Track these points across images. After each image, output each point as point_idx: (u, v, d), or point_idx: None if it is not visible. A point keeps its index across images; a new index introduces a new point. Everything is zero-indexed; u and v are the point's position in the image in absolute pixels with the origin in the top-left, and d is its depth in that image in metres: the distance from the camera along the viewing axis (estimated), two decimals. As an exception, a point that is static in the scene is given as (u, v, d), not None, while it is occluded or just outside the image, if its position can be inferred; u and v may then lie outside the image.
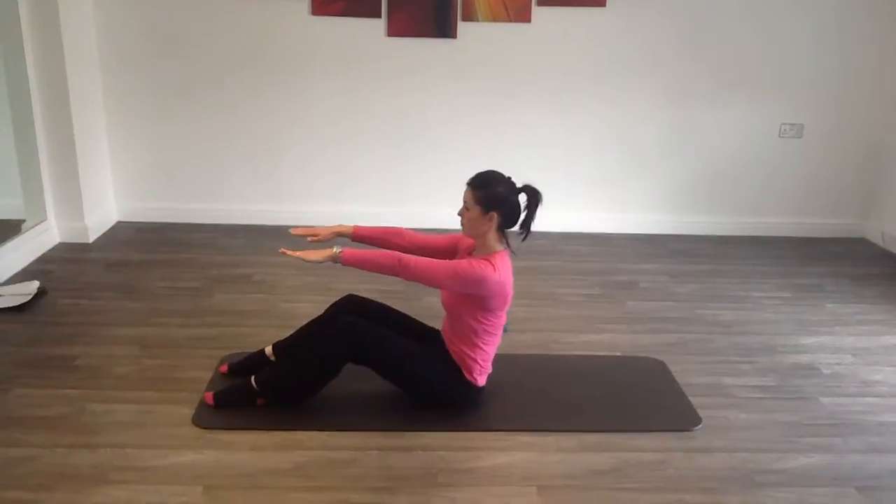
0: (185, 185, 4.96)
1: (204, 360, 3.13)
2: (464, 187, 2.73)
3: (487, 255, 2.68)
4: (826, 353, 3.46)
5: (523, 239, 2.72)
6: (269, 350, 3.00)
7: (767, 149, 5.07)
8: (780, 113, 4.99)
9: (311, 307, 3.68)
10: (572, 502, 2.37)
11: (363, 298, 3.03)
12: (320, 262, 2.64)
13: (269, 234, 4.83)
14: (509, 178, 2.70)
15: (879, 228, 5.14)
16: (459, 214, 2.73)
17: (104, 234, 4.73)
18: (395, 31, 4.65)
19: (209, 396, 2.80)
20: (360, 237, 2.94)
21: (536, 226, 2.76)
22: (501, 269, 2.66)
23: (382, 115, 4.86)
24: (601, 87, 4.87)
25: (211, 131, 4.84)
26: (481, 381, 2.84)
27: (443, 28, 4.66)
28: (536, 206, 2.70)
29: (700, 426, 2.81)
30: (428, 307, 3.57)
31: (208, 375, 3.00)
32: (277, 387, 2.78)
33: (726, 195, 5.17)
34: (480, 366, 2.81)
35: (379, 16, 4.62)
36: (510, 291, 2.72)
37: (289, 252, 2.64)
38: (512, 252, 2.76)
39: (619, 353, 3.39)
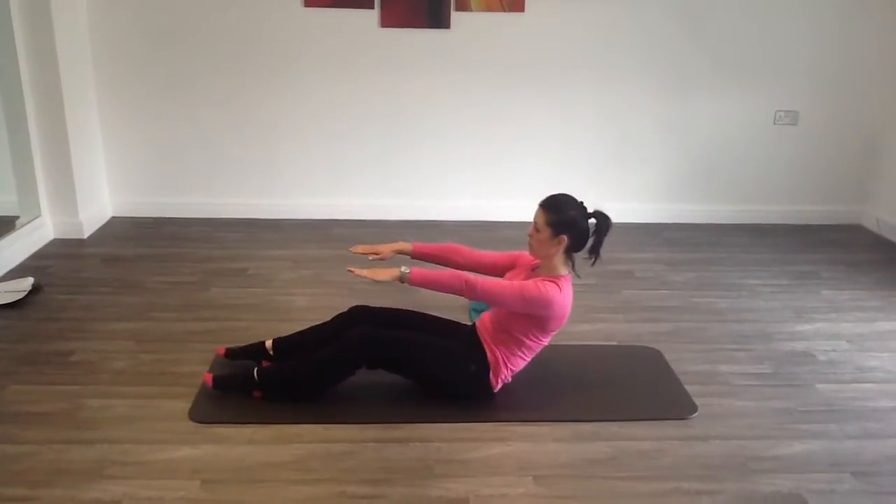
0: (180, 180, 4.95)
1: (200, 354, 3.13)
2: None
3: (553, 277, 2.71)
4: (822, 340, 3.47)
5: (592, 264, 2.74)
6: (269, 343, 3.00)
7: (763, 136, 5.06)
8: (776, 100, 4.99)
9: (306, 300, 3.69)
10: (569, 492, 2.37)
11: (370, 307, 3.02)
12: (388, 282, 2.66)
13: (264, 228, 4.83)
14: (581, 202, 2.73)
15: (875, 215, 5.15)
16: (529, 235, 2.75)
17: (99, 229, 4.72)
18: (388, 21, 4.63)
19: (209, 378, 2.81)
20: (420, 254, 2.96)
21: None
22: (566, 292, 2.71)
23: (377, 107, 4.85)
24: (596, 76, 4.86)
25: (205, 125, 4.83)
26: (498, 386, 2.85)
27: (436, 18, 4.64)
28: (606, 232, 2.72)
29: (696, 414, 2.82)
30: (423, 298, 3.57)
31: (205, 370, 2.99)
32: (278, 386, 2.81)
33: (722, 183, 5.17)
34: (507, 373, 2.83)
35: (372, 7, 4.60)
36: (568, 314, 2.76)
37: (356, 271, 2.65)
38: (577, 276, 2.79)
39: (614, 343, 3.40)
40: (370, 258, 2.90)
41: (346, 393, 2.83)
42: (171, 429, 2.62)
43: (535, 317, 2.71)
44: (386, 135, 4.92)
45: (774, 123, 5.04)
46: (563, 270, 2.75)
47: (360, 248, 2.94)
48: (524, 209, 5.04)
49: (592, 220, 2.72)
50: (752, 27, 4.81)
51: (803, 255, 4.63)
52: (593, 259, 2.74)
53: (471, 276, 2.67)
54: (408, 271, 2.65)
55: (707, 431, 2.71)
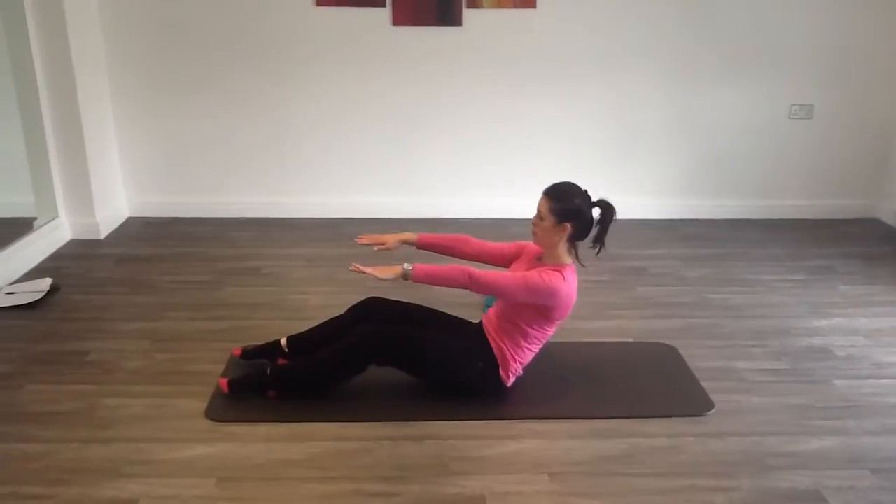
0: (194, 179, 4.98)
1: (215, 353, 3.14)
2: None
3: (557, 266, 2.69)
4: (839, 336, 3.44)
5: (598, 253, 2.73)
6: (283, 341, 3.01)
7: (777, 130, 5.02)
8: (790, 93, 4.95)
9: (320, 298, 3.69)
10: (584, 489, 2.37)
11: (385, 300, 3.02)
12: (392, 279, 2.65)
13: (277, 227, 4.84)
14: (585, 190, 2.71)
15: (891, 208, 5.10)
16: (532, 223, 2.74)
17: (115, 229, 4.75)
18: (399, 19, 4.63)
19: (224, 383, 2.81)
20: (425, 245, 2.96)
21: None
22: (570, 281, 2.68)
23: (389, 105, 4.85)
24: (608, 71, 4.84)
25: (218, 125, 4.85)
26: (510, 380, 2.84)
27: (448, 16, 4.64)
28: (610, 221, 2.70)
29: (712, 411, 2.80)
30: (439, 295, 3.56)
31: (219, 369, 3.01)
32: (291, 383, 2.82)
33: (736, 178, 5.13)
34: (516, 366, 2.82)
35: (383, 5, 4.60)
36: (573, 303, 2.74)
37: (361, 268, 2.65)
38: (581, 265, 2.77)
39: (629, 339, 3.38)
40: (375, 248, 2.90)
41: (360, 391, 2.84)
42: (186, 427, 2.64)
43: (540, 307, 2.69)
44: (398, 133, 4.92)
45: (789, 117, 5.00)
46: (567, 259, 2.73)
47: (365, 238, 2.94)
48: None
49: (597, 209, 2.70)
50: (767, 20, 4.77)
51: (819, 249, 4.59)
52: (598, 248, 2.72)
53: (474, 269, 2.63)
54: (410, 268, 2.63)
55: (723, 428, 2.70)
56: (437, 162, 4.99)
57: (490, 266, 2.86)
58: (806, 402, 2.87)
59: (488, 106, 4.88)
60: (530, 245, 2.88)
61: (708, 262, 4.33)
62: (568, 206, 2.65)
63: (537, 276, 2.63)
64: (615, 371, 3.08)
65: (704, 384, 2.97)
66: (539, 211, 2.69)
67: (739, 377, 3.06)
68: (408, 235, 2.94)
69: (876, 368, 3.15)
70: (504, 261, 2.93)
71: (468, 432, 2.64)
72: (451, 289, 2.74)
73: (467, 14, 4.65)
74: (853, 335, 3.44)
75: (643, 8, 4.70)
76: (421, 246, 2.95)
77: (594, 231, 2.71)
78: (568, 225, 2.65)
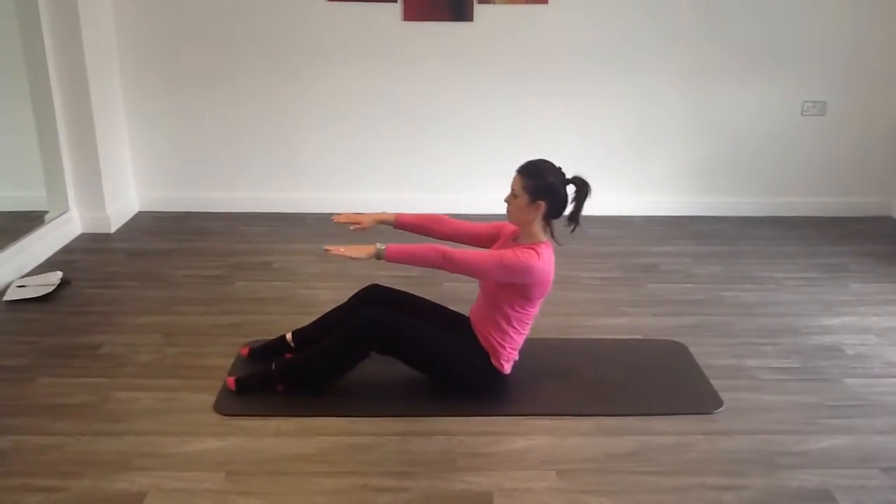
0: (205, 174, 4.99)
1: (225, 347, 3.16)
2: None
3: (532, 244, 2.68)
4: (850, 334, 3.42)
5: (572, 231, 2.70)
6: (289, 336, 3.02)
7: (790, 127, 4.99)
8: (803, 90, 4.92)
9: (330, 293, 3.70)
10: (592, 486, 2.36)
11: (386, 288, 3.03)
12: (365, 259, 2.62)
13: (288, 222, 4.85)
14: (559, 167, 2.68)
15: (905, 206, 5.06)
16: (506, 201, 2.71)
17: (126, 223, 4.78)
18: (410, 15, 4.63)
19: (231, 381, 2.82)
20: (403, 225, 2.94)
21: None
22: (546, 258, 2.65)
23: (400, 101, 4.85)
24: (619, 67, 4.82)
25: (230, 120, 4.86)
26: (507, 368, 2.84)
27: (459, 11, 4.63)
28: (585, 198, 2.67)
29: (722, 409, 2.79)
30: (449, 292, 3.57)
31: (230, 363, 3.03)
32: (297, 375, 2.81)
33: (748, 175, 5.11)
34: (508, 353, 2.81)
35: (394, 0, 4.59)
36: (551, 280, 2.72)
37: (332, 250, 2.62)
38: (557, 243, 2.74)
39: (639, 336, 3.37)
40: (351, 227, 2.88)
41: (369, 386, 2.85)
42: (196, 421, 2.65)
43: (518, 286, 2.66)
44: (409, 129, 4.92)
45: (802, 114, 4.97)
46: (543, 237, 2.71)
47: (342, 217, 2.92)
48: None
49: (571, 187, 2.68)
50: (780, 17, 4.73)
51: (831, 247, 4.56)
52: (573, 226, 2.70)
53: (448, 248, 2.61)
54: (383, 247, 2.60)
55: (733, 426, 2.69)
56: (447, 158, 4.98)
57: (467, 246, 2.83)
58: (816, 401, 2.86)
59: (499, 102, 4.87)
60: (507, 225, 2.85)
61: (719, 260, 4.31)
62: (541, 183, 2.63)
63: (512, 254, 2.61)
64: (624, 368, 3.08)
65: (714, 382, 2.97)
66: (512, 189, 2.67)
67: (749, 375, 3.05)
68: (385, 215, 2.93)
69: (887, 367, 3.13)
70: (481, 241, 2.91)
71: (477, 428, 2.64)
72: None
73: (479, 10, 4.64)
74: (864, 333, 3.42)
75: (655, 5, 4.68)
76: (398, 226, 2.94)
77: (570, 209, 2.69)
78: (542, 203, 2.63)
